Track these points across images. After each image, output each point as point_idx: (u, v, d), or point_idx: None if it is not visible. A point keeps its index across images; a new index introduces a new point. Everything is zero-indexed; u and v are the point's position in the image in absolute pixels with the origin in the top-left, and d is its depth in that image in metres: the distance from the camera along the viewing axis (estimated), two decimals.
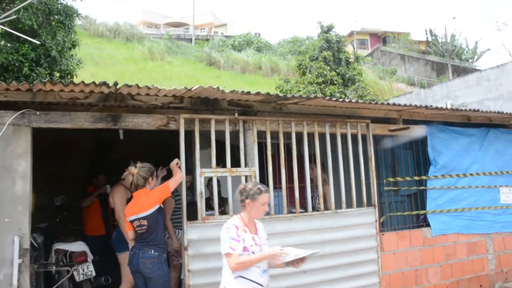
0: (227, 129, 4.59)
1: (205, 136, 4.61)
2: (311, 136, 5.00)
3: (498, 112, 6.41)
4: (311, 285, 4.73)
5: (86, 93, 4.05)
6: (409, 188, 6.10)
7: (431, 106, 5.51)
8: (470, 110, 6.08)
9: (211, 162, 4.51)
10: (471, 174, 6.33)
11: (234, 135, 4.70)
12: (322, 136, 5.08)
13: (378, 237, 5.22)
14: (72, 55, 10.48)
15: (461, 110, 6.02)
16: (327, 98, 4.57)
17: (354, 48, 43.38)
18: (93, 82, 3.74)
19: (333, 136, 5.14)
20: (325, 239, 4.84)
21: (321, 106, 5.09)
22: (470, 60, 40.34)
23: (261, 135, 4.82)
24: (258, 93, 4.30)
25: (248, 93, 4.30)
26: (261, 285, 3.34)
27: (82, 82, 3.72)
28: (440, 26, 64.84)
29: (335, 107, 5.13)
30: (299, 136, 5.02)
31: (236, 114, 4.62)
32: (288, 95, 4.49)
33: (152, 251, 4.15)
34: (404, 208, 6.70)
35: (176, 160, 4.29)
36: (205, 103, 4.60)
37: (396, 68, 39.66)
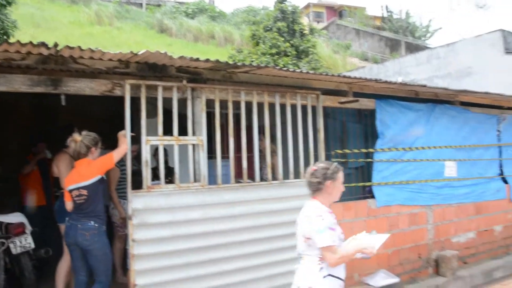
0: (175, 97, 4.51)
1: (153, 105, 4.52)
2: (261, 106, 5.00)
3: (444, 88, 6.67)
4: (261, 253, 4.83)
5: (22, 54, 3.83)
6: (356, 160, 6.26)
7: (380, 79, 5.65)
8: (418, 85, 6.29)
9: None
10: (417, 148, 6.59)
11: (183, 104, 4.63)
12: (272, 107, 5.10)
13: None
14: (7, 13, 9.84)
15: (409, 85, 6.21)
16: (278, 68, 4.57)
17: (309, 21, 43.38)
18: (31, 42, 3.53)
19: (283, 107, 5.17)
20: (273, 209, 4.93)
21: (272, 76, 5.09)
22: (423, 38, 41.53)
23: (210, 104, 4.78)
24: (207, 60, 4.24)
25: (197, 59, 4.23)
26: (343, 281, 3.07)
27: (18, 41, 3.51)
28: (396, 3, 66.01)
29: (286, 77, 5.15)
30: (249, 106, 5.01)
31: (185, 81, 4.54)
32: (238, 64, 4.45)
33: (92, 222, 4.08)
34: (352, 180, 6.91)
35: (122, 133, 4.21)
36: (152, 69, 4.48)
37: (351, 42, 40.18)
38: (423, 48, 29.90)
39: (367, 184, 6.21)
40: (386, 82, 5.69)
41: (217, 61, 4.26)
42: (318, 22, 51.60)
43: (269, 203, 4.92)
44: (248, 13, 42.33)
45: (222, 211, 4.60)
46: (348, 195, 6.35)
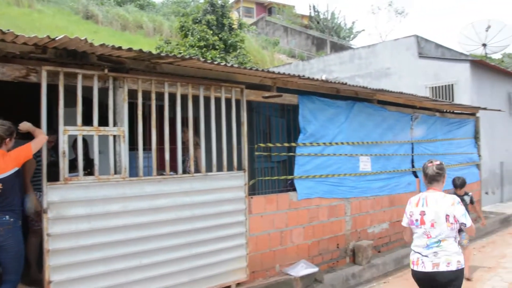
0: (95, 85, 4.36)
1: (73, 93, 4.33)
2: (185, 98, 4.97)
3: (363, 87, 7.02)
4: (182, 246, 4.81)
5: None
6: (279, 154, 6.42)
7: (303, 76, 5.81)
8: (338, 83, 6.55)
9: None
10: (336, 143, 6.89)
11: (104, 93, 4.49)
12: (196, 99, 5.09)
13: (246, 200, 5.46)
14: None
15: (331, 82, 6.45)
16: (202, 60, 4.56)
17: (239, 15, 43.49)
18: None
19: (207, 100, 5.18)
20: (195, 202, 4.94)
21: (197, 69, 5.07)
22: (347, 39, 43.22)
23: (133, 94, 4.67)
24: (130, 49, 4.14)
25: (120, 48, 4.11)
26: None
27: None
28: (323, 3, 68.05)
29: (211, 70, 5.17)
30: (174, 98, 4.97)
31: (106, 70, 4.40)
32: (162, 54, 4.40)
33: (7, 216, 3.86)
34: (276, 173, 7.09)
35: (27, 125, 4.00)
36: (72, 56, 4.29)
37: (279, 39, 40.90)
38: (347, 48, 31.13)
39: (289, 177, 6.38)
40: (308, 78, 5.88)
41: (140, 50, 4.17)
42: (248, 17, 51.86)
43: (192, 196, 4.93)
44: (179, 4, 41.65)
45: (143, 204, 4.54)
46: (271, 188, 6.53)
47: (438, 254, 3.72)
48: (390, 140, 8.06)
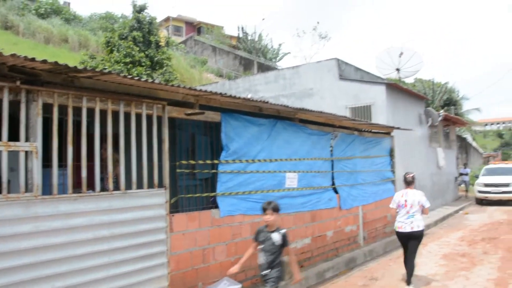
0: (6, 98, 4.09)
1: None
2: (104, 114, 4.82)
3: (285, 106, 7.21)
4: (99, 267, 4.59)
5: None
6: (201, 171, 6.38)
7: (225, 94, 5.86)
8: (260, 101, 6.67)
9: None
10: (259, 160, 6.97)
11: (17, 106, 4.23)
12: (116, 115, 4.94)
13: (168, 218, 5.35)
14: None
15: (253, 100, 6.55)
16: (122, 75, 4.45)
17: (168, 34, 43.23)
18: None
19: (128, 116, 5.05)
20: (114, 220, 4.75)
21: (118, 84, 4.95)
22: (274, 60, 44.40)
23: (49, 109, 4.44)
24: (44, 61, 3.95)
25: (33, 59, 3.91)
26: None
27: None
28: (251, 25, 69.58)
29: (132, 86, 5.06)
30: (92, 113, 4.78)
31: (18, 82, 4.16)
32: (80, 67, 4.24)
33: None
34: (200, 191, 7.01)
35: None
36: None
37: (207, 58, 41.16)
38: (273, 69, 31.93)
39: (211, 194, 6.35)
40: (230, 96, 5.93)
41: (56, 63, 4.00)
42: (177, 36, 51.69)
43: (110, 214, 4.74)
44: (106, 20, 40.61)
45: (57, 224, 4.29)
46: (196, 206, 6.45)
47: (413, 223, 7.08)
48: (312, 158, 8.31)
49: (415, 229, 7.02)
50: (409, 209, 7.10)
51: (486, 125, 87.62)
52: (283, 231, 5.09)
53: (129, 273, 4.88)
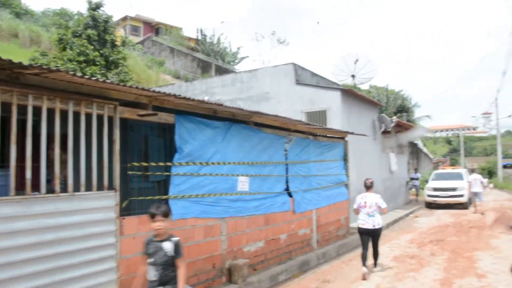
0: None
1: None
2: (52, 113, 4.65)
3: (239, 109, 7.21)
4: (44, 273, 4.42)
5: None
6: (154, 174, 6.28)
7: (179, 95, 5.80)
8: (215, 104, 6.65)
9: None
10: (213, 163, 6.94)
11: None
12: (65, 114, 4.79)
13: (118, 221, 5.23)
14: None
15: (207, 103, 6.53)
16: (71, 73, 4.32)
17: (126, 33, 42.44)
18: None
19: (77, 115, 4.90)
20: (60, 223, 4.60)
21: (67, 82, 4.79)
22: (232, 63, 44.41)
23: None
24: None
25: None
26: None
27: None
28: (210, 28, 69.37)
29: (83, 84, 4.91)
30: (39, 112, 4.61)
31: None
32: (25, 63, 4.07)
33: None
34: (153, 193, 6.90)
35: None
36: None
37: (165, 60, 40.66)
38: (231, 72, 31.93)
39: (164, 197, 6.26)
40: (185, 98, 5.87)
41: None
42: (134, 35, 50.84)
43: (57, 217, 4.58)
44: (61, 16, 39.26)
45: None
46: (146, 209, 6.33)
47: (374, 221, 8.34)
48: (266, 161, 8.36)
49: (376, 226, 8.35)
50: (369, 210, 8.37)
51: (436, 132, 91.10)
52: (175, 239, 4.41)
53: (76, 278, 4.73)
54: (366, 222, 8.36)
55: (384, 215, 8.71)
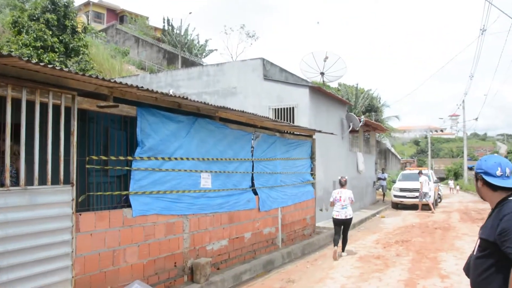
0: None
1: None
2: (3, 101, 4.48)
3: (205, 103, 7.16)
4: None
5: None
6: (113, 168, 6.16)
7: (142, 87, 5.70)
8: (179, 97, 6.58)
9: None
10: (176, 158, 6.88)
11: None
12: (18, 103, 4.62)
13: (74, 217, 5.10)
14: None
15: (171, 96, 6.45)
16: (25, 59, 4.17)
17: (88, 20, 41.46)
18: None
19: (31, 105, 4.74)
20: (10, 219, 4.43)
21: (20, 69, 4.62)
22: (199, 56, 44.11)
23: None
24: None
25: None
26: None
27: None
28: (178, 18, 68.61)
29: (38, 72, 4.75)
30: None
31: None
32: None
33: None
34: (113, 189, 6.77)
35: None
36: None
37: (129, 49, 39.96)
38: (198, 65, 31.71)
39: (123, 193, 6.15)
40: (147, 90, 5.78)
41: None
42: (97, 22, 49.81)
43: (6, 213, 4.40)
44: None
45: None
46: (108, 204, 6.23)
47: (346, 212, 10.15)
48: (231, 158, 8.35)
49: (348, 216, 10.28)
50: (343, 203, 10.25)
51: (404, 132, 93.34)
52: None
53: (27, 278, 4.59)
54: (340, 213, 10.22)
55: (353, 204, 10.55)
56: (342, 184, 10.48)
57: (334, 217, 10.34)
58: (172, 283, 6.83)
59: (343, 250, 10.59)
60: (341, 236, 10.46)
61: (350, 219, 10.44)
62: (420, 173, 21.89)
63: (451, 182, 41.71)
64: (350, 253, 10.78)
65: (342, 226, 10.32)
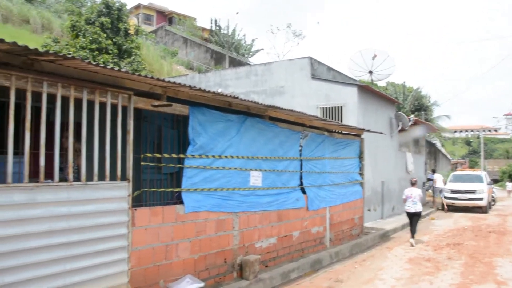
0: None
1: None
2: (66, 101, 4.71)
3: (255, 102, 7.22)
4: (55, 261, 4.49)
5: None
6: (166, 165, 6.32)
7: (194, 86, 5.82)
8: (230, 96, 6.67)
9: None
10: (226, 157, 6.97)
11: None
12: (79, 103, 4.85)
13: (130, 212, 5.28)
14: None
15: (223, 95, 6.54)
16: (86, 61, 4.36)
17: (138, 22, 42.59)
18: None
19: (91, 104, 4.96)
20: (72, 212, 4.66)
21: (81, 70, 4.85)
22: (246, 56, 44.37)
23: (5, 93, 4.30)
24: (1, 40, 3.82)
25: None
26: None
27: None
28: (225, 19, 69.35)
29: (97, 73, 4.96)
30: (53, 100, 4.67)
31: None
32: (41, 50, 4.13)
33: None
34: (165, 185, 6.96)
35: None
36: None
37: (178, 50, 40.76)
38: (245, 64, 31.90)
39: (176, 189, 6.31)
40: (200, 89, 5.90)
41: (15, 43, 3.88)
42: (147, 24, 51.06)
43: (69, 206, 4.64)
44: (73, 3, 39.48)
45: (10, 214, 4.17)
46: (160, 201, 6.41)
47: (416, 207, 12.20)
48: (280, 156, 8.37)
49: (417, 210, 12.22)
50: (413, 199, 12.16)
51: (455, 132, 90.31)
52: None
53: (87, 268, 4.80)
54: (411, 207, 12.19)
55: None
56: (413, 183, 12.51)
57: (407, 210, 12.42)
58: (222, 278, 6.93)
59: (412, 237, 12.35)
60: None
61: (420, 213, 12.42)
62: (433, 170, 22.47)
63: (509, 185, 39.53)
64: (399, 254, 10.56)
65: (413, 218, 12.32)
